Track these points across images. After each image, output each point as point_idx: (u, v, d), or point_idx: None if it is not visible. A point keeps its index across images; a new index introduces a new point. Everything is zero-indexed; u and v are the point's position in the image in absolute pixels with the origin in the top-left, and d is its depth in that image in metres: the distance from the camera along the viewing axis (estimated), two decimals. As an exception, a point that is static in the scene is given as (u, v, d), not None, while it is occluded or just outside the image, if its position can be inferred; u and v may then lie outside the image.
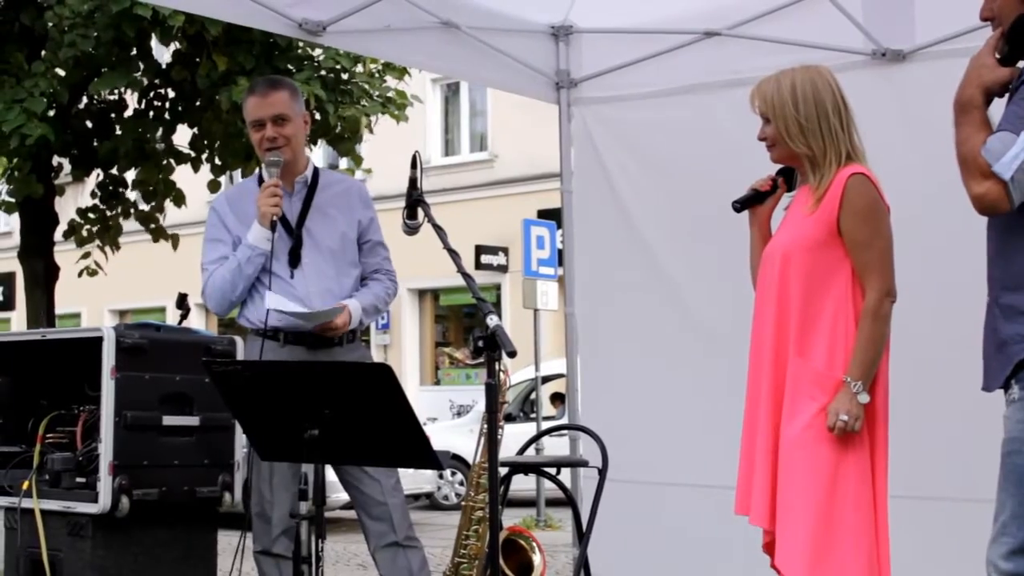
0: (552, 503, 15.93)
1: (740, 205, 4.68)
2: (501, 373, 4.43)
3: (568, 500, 6.53)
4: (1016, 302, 3.74)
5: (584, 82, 7.43)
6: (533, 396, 18.22)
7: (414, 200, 5.29)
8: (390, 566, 5.43)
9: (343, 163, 13.51)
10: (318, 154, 16.55)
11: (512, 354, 4.16)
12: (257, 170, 5.64)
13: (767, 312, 4.42)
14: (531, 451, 7.10)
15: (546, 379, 17.82)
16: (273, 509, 5.39)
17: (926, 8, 6.24)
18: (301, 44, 11.87)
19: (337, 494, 13.03)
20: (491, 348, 4.14)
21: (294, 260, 5.46)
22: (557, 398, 19.30)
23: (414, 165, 5.33)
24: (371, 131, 12.82)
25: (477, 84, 22.99)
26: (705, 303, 6.87)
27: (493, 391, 4.19)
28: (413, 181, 5.32)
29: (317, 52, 12.20)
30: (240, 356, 5.71)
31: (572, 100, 7.45)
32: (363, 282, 5.65)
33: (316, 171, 5.68)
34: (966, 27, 5.73)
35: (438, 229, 4.88)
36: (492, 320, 4.17)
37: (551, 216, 16.12)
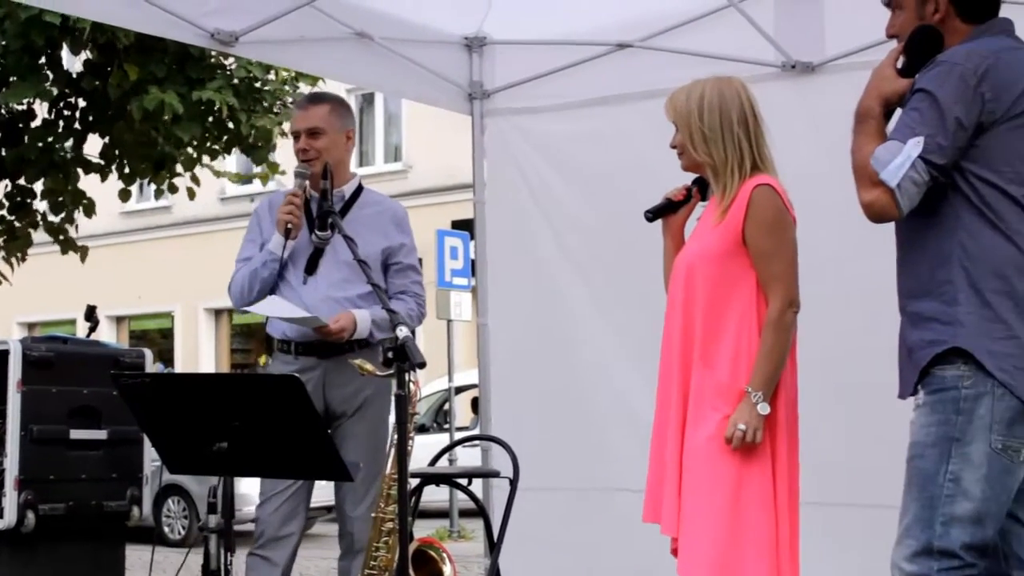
0: (465, 514, 15.93)
1: (652, 215, 4.68)
2: (411, 384, 4.41)
3: (479, 510, 6.52)
4: (920, 309, 3.79)
5: (497, 93, 7.43)
6: (446, 407, 18.21)
7: (325, 211, 5.30)
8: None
9: (258, 171, 13.39)
10: (231, 162, 16.40)
11: (421, 365, 4.16)
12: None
13: (675, 322, 4.44)
14: (444, 461, 7.08)
15: (460, 389, 17.82)
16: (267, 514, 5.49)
17: (835, 22, 6.31)
18: (214, 53, 11.77)
19: (249, 507, 12.95)
20: (400, 359, 4.13)
21: (310, 268, 5.57)
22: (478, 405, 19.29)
23: (325, 176, 5.34)
24: (285, 135, 12.73)
25: (390, 95, 22.94)
26: (619, 312, 6.89)
27: (403, 402, 4.18)
28: (324, 192, 5.33)
29: (230, 61, 12.10)
30: (149, 368, 5.68)
31: (485, 111, 7.44)
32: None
33: (359, 189, 5.78)
34: (873, 40, 5.79)
35: (348, 240, 4.88)
36: (402, 331, 4.18)
37: (465, 227, 16.13)
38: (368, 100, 27.85)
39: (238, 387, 4.35)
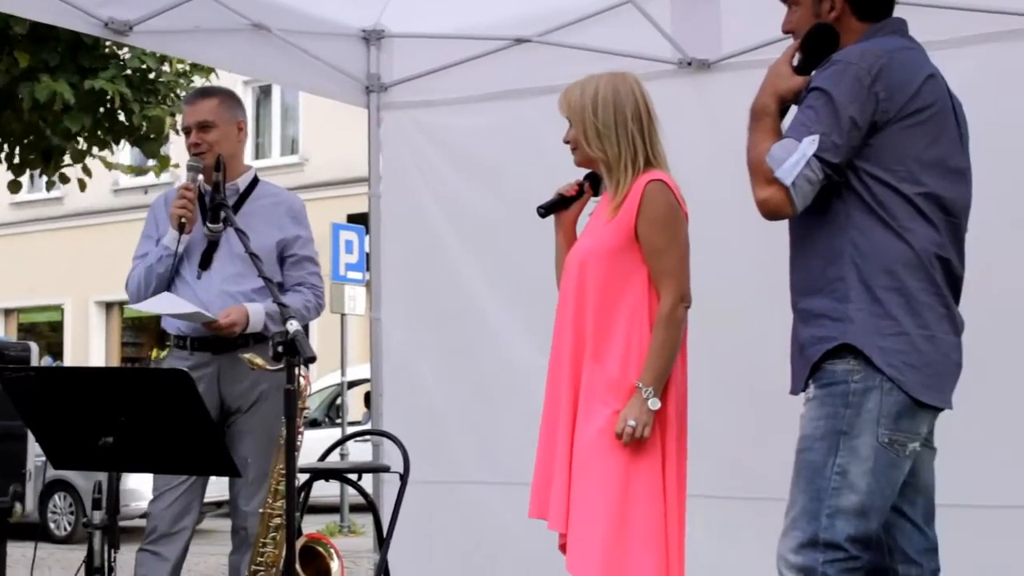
0: (355, 509, 15.86)
1: (545, 210, 4.68)
2: (301, 379, 4.37)
3: (369, 505, 6.48)
4: (811, 306, 3.82)
5: (395, 86, 7.39)
6: (339, 401, 18.12)
7: (217, 203, 5.26)
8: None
9: (152, 164, 13.24)
10: (124, 155, 16.18)
11: (312, 360, 4.12)
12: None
13: (566, 317, 4.44)
14: (335, 456, 7.04)
15: (352, 383, 17.75)
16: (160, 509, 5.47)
17: (731, 20, 6.34)
18: (108, 42, 11.62)
19: (136, 503, 12.85)
20: (291, 353, 4.09)
21: (205, 263, 5.53)
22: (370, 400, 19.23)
23: (218, 168, 5.30)
24: (177, 132, 12.58)
25: (286, 87, 22.81)
26: (516, 307, 6.87)
27: (292, 397, 4.14)
28: (217, 185, 5.28)
29: (124, 50, 11.96)
30: (35, 362, 5.59)
31: (382, 104, 7.40)
32: (284, 294, 5.63)
33: (255, 181, 5.76)
34: (769, 39, 5.82)
35: (240, 233, 4.83)
36: (292, 325, 4.13)
37: (360, 220, 16.06)
38: (265, 92, 27.69)
39: (125, 381, 4.29)
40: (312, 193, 24.43)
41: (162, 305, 5.44)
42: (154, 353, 29.29)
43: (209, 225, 5.40)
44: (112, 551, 4.30)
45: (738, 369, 6.08)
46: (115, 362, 29.82)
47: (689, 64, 6.46)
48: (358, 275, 16.61)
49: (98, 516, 4.42)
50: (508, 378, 6.78)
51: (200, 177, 5.53)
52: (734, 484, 6.10)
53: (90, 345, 30.03)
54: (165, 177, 14.18)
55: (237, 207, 5.58)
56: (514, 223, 6.58)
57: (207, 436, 4.14)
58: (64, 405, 4.25)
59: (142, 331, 30.10)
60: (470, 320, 7.04)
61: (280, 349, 4.09)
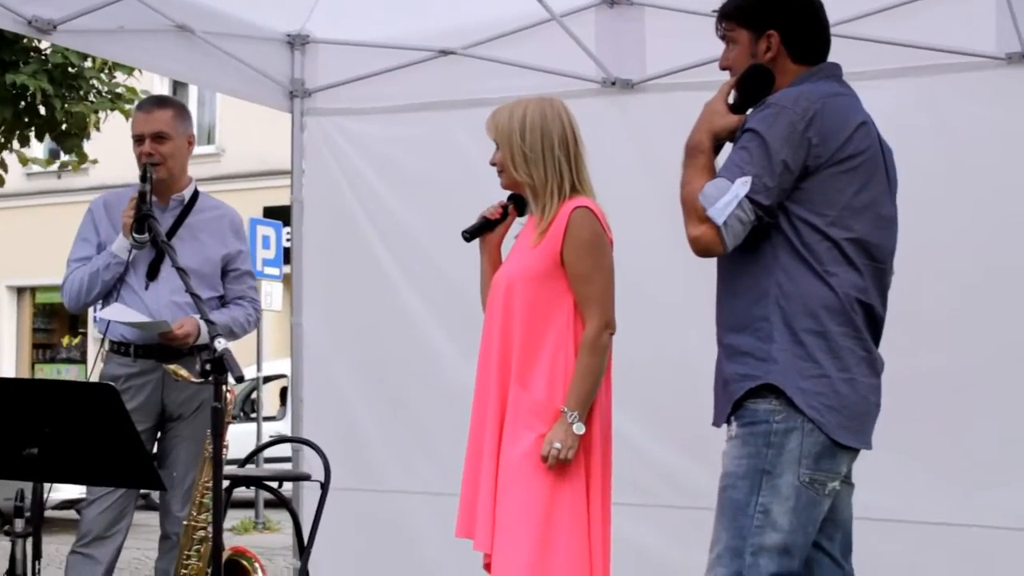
0: (270, 504, 15.83)
1: (469, 235, 4.70)
2: (227, 393, 4.40)
3: (290, 514, 6.51)
4: (736, 342, 3.87)
5: (319, 92, 7.41)
6: (254, 396, 18.07)
7: (142, 215, 5.27)
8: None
9: (66, 158, 13.16)
10: (38, 145, 16.02)
11: (240, 379, 4.15)
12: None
13: (492, 340, 4.48)
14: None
15: (268, 379, 17.68)
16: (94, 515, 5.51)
17: (656, 42, 6.41)
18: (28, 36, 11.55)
19: (53, 494, 12.67)
20: (219, 371, 4.12)
21: (152, 273, 5.59)
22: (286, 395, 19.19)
23: (144, 179, 5.32)
24: (98, 129, 12.53)
25: (209, 89, 22.60)
26: (434, 314, 6.92)
27: (219, 415, 4.17)
28: (143, 195, 5.30)
29: (45, 45, 11.87)
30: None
31: (306, 110, 7.41)
32: (225, 306, 5.78)
33: (196, 193, 5.83)
34: (693, 61, 5.93)
35: (167, 246, 4.86)
36: (220, 343, 4.16)
37: (278, 214, 15.98)
38: (180, 82, 27.43)
39: (49, 392, 4.29)
40: (228, 184, 24.27)
41: (119, 314, 5.49)
42: (65, 339, 29.06)
43: (135, 235, 5.40)
44: (36, 562, 4.31)
45: (662, 396, 6.17)
46: (27, 347, 29.52)
47: (613, 84, 6.51)
48: (275, 271, 16.54)
49: (20, 524, 4.42)
50: (430, 387, 6.83)
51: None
52: (671, 494, 6.24)
53: (1, 330, 29.69)
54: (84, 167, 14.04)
55: (182, 218, 5.70)
56: (438, 232, 6.63)
57: (133, 450, 4.15)
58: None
59: (54, 317, 29.80)
60: (393, 327, 7.06)
61: (208, 367, 4.13)
